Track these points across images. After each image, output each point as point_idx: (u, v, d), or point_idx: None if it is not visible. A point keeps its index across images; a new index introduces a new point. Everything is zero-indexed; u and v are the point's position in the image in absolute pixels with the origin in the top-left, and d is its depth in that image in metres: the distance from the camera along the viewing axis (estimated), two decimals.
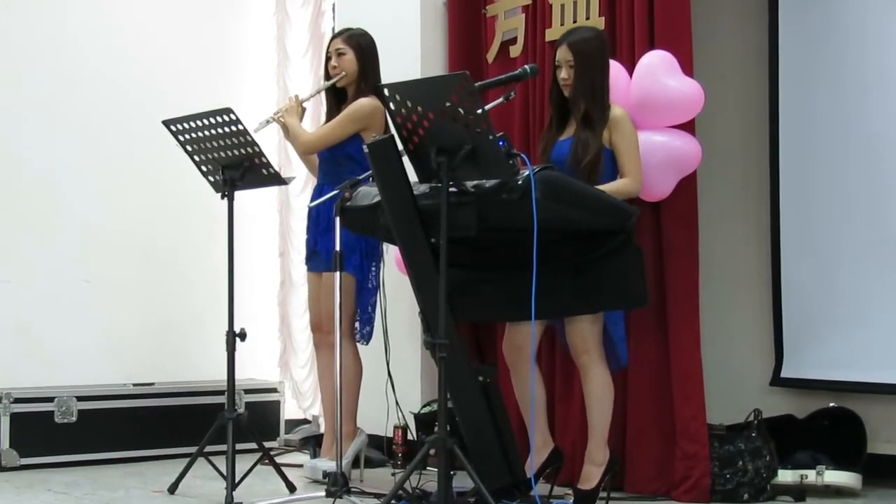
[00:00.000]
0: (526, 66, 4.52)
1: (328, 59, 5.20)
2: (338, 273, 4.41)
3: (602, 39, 4.60)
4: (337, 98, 5.24)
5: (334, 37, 5.29)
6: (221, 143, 4.73)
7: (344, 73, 5.12)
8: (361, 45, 5.16)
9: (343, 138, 5.05)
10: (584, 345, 4.43)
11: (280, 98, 6.90)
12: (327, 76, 5.21)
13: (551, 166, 4.12)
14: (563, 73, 4.50)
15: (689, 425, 4.67)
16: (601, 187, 4.32)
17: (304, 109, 5.26)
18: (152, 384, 6.01)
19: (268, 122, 5.15)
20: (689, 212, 4.77)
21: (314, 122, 6.23)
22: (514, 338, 4.53)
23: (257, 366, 6.60)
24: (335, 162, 5.08)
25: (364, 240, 4.97)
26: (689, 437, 4.67)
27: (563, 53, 4.51)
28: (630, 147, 4.45)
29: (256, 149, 4.72)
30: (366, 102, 5.05)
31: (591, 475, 4.47)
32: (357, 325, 5.11)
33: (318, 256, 5.12)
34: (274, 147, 6.76)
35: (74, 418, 5.67)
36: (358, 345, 5.13)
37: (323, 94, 5.35)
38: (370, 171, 4.20)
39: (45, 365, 6.02)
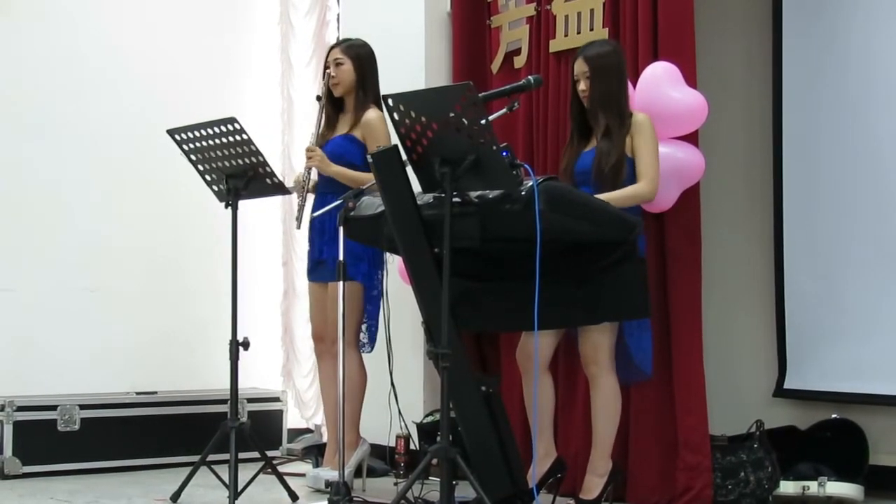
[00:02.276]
0: (530, 77, 4.53)
1: (326, 68, 5.22)
2: (341, 282, 4.42)
3: (618, 52, 4.62)
4: (334, 106, 5.26)
5: (333, 46, 5.31)
6: (225, 152, 4.74)
7: (336, 78, 5.12)
8: (360, 55, 5.17)
9: None
10: (595, 355, 4.44)
11: (284, 108, 6.91)
12: (326, 85, 5.23)
13: (555, 177, 4.13)
14: (582, 85, 4.53)
15: (692, 436, 4.68)
16: (615, 193, 4.33)
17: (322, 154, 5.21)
18: (155, 393, 6.02)
19: (304, 188, 5.10)
20: (693, 223, 4.78)
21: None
22: (529, 347, 4.53)
23: (260, 375, 6.60)
24: None
25: (371, 248, 4.98)
26: (691, 448, 4.67)
27: (580, 66, 4.53)
28: (647, 151, 4.45)
29: (260, 158, 4.73)
30: (375, 116, 5.06)
31: (593, 485, 4.48)
32: (364, 333, 5.12)
33: (325, 266, 5.11)
34: (278, 156, 6.78)
35: (77, 427, 5.68)
36: (363, 352, 5.14)
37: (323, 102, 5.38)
38: (373, 181, 4.21)
39: (48, 373, 6.04)
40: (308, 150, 5.15)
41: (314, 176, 5.22)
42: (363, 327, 5.14)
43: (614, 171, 4.41)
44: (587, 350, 4.46)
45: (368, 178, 4.90)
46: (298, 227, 5.23)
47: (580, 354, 4.51)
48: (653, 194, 4.45)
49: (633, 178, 4.46)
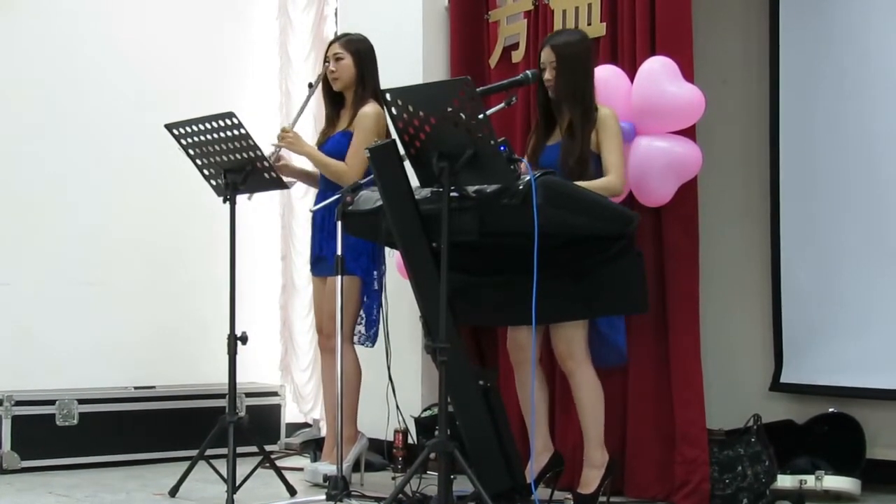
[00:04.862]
0: (527, 72, 4.54)
1: (326, 61, 5.22)
2: (339, 277, 4.42)
3: (586, 43, 4.62)
4: (334, 102, 5.26)
5: (333, 41, 5.31)
6: (223, 146, 4.74)
7: (335, 71, 5.12)
8: (360, 50, 5.17)
9: None
10: (570, 350, 4.44)
11: (282, 102, 6.91)
12: (325, 79, 5.23)
13: (553, 171, 4.13)
14: (547, 75, 4.53)
15: (689, 430, 4.68)
16: (586, 183, 4.33)
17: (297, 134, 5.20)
18: (153, 387, 6.03)
19: (270, 166, 4.90)
20: (690, 217, 4.78)
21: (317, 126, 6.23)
22: (516, 336, 4.55)
23: (258, 369, 6.60)
24: None
25: (371, 243, 4.99)
26: (688, 442, 4.67)
27: (546, 55, 4.54)
28: (613, 146, 4.46)
29: (258, 153, 4.73)
30: (371, 110, 5.06)
31: (591, 479, 4.48)
32: (363, 327, 5.13)
33: (325, 262, 5.12)
34: None
35: (76, 421, 5.68)
36: (359, 348, 5.14)
37: (320, 100, 5.38)
38: (371, 176, 4.22)
39: (46, 368, 6.03)
40: (283, 130, 5.16)
41: (288, 155, 5.20)
42: (363, 322, 5.14)
43: (580, 165, 4.41)
44: (560, 346, 4.47)
45: (343, 167, 5.00)
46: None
47: (554, 351, 4.51)
48: (621, 188, 4.46)
49: (598, 174, 4.45)
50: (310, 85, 5.24)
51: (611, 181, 4.41)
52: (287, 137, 5.12)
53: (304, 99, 5.22)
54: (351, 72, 5.16)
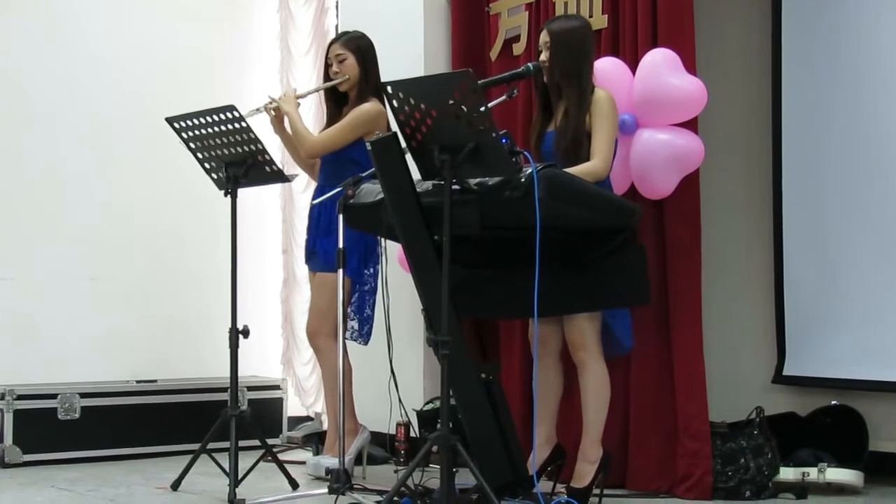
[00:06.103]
0: (529, 64, 4.53)
1: (328, 65, 5.19)
2: (340, 271, 4.41)
3: (585, 27, 4.58)
4: (337, 102, 5.23)
5: (332, 42, 5.27)
6: (224, 140, 4.73)
7: (347, 76, 5.11)
8: (361, 47, 5.15)
9: (347, 143, 5.05)
10: (583, 341, 4.42)
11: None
12: (327, 79, 5.20)
13: (554, 164, 4.12)
14: (543, 56, 4.51)
15: (692, 423, 4.68)
16: (568, 169, 4.30)
17: (298, 104, 5.23)
18: (155, 381, 6.03)
19: (258, 110, 5.09)
20: (692, 210, 4.78)
21: (317, 124, 6.22)
22: (540, 332, 4.52)
23: (260, 363, 6.61)
24: (339, 165, 5.07)
25: (363, 243, 4.98)
26: (691, 435, 4.67)
27: (543, 37, 4.53)
28: (603, 128, 4.40)
29: (260, 146, 4.72)
30: (369, 107, 5.04)
31: (584, 473, 4.45)
32: (355, 324, 5.12)
33: (316, 257, 5.12)
34: (277, 144, 6.77)
35: (77, 415, 5.68)
36: (357, 343, 5.13)
37: (323, 97, 5.36)
38: (373, 169, 4.21)
39: (48, 362, 6.05)
40: (294, 90, 5.21)
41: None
42: (355, 318, 5.13)
43: (574, 147, 4.38)
44: (574, 336, 4.44)
45: (311, 137, 5.07)
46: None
47: (567, 341, 4.50)
48: (605, 172, 4.39)
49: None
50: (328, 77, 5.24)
51: (595, 166, 4.37)
52: (287, 94, 5.14)
53: (324, 84, 5.19)
54: (356, 70, 5.12)
